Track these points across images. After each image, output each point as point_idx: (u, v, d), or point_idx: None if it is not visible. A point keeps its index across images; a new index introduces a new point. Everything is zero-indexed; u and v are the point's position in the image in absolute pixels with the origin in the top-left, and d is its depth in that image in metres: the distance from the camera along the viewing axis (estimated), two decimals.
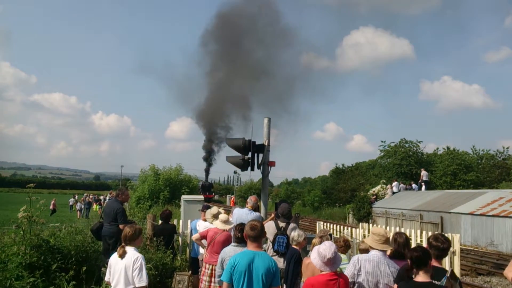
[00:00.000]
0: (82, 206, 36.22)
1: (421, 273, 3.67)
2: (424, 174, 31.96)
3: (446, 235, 10.20)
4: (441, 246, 4.11)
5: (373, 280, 4.35)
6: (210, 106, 55.64)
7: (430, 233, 11.86)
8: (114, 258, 5.07)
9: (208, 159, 56.57)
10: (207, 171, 56.65)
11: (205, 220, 8.53)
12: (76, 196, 44.71)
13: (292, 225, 7.10)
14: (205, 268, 7.03)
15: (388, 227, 14.59)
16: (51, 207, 35.53)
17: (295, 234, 6.36)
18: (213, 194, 53.92)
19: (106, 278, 5.10)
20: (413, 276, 3.72)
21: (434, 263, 4.07)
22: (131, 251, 4.95)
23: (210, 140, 56.39)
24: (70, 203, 41.42)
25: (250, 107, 54.21)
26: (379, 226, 14.21)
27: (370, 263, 4.42)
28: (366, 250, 5.24)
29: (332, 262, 4.08)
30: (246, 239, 4.62)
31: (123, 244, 5.02)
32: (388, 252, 4.99)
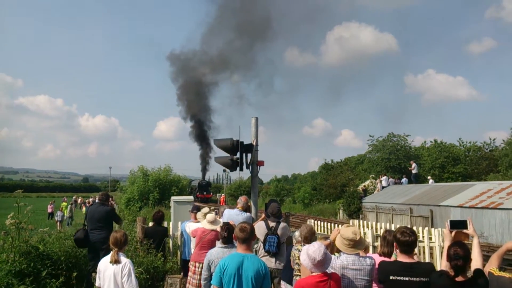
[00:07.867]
0: (61, 215, 28.86)
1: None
2: (415, 166, 32.22)
3: (436, 230, 10.32)
4: (409, 240, 4.09)
5: (348, 284, 4.34)
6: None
7: (420, 227, 11.98)
8: (103, 263, 5.07)
9: (204, 155, 50.02)
10: (203, 171, 49.79)
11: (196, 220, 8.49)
12: (54, 203, 35.76)
13: (282, 224, 7.08)
14: (195, 266, 6.99)
15: (378, 222, 14.69)
16: (49, 210, 34.64)
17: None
18: (211, 193, 48.31)
19: (97, 284, 5.11)
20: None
21: (404, 259, 4.08)
22: (119, 256, 4.99)
23: (203, 133, 50.98)
24: (49, 210, 34.40)
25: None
26: (364, 222, 14.29)
27: (341, 269, 4.38)
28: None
29: (323, 264, 4.03)
30: (235, 240, 4.61)
31: (116, 249, 5.03)
32: (379, 250, 4.98)
